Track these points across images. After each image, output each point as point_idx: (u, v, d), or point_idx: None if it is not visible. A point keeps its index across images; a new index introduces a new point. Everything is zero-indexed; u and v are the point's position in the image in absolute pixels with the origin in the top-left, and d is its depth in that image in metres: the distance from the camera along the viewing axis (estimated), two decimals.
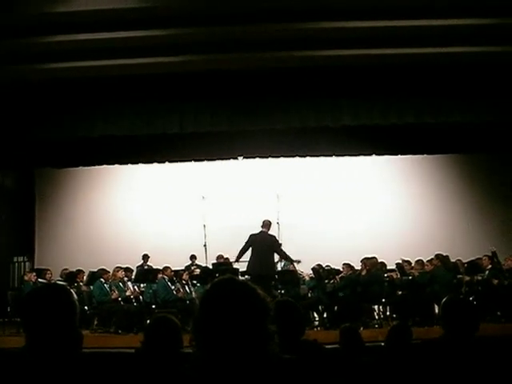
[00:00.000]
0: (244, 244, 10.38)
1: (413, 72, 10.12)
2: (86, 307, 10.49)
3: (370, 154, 13.19)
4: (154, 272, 11.17)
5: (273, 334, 1.88)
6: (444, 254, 11.04)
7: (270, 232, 10.58)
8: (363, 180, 14.23)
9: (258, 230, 10.51)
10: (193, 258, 12.57)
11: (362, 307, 10.51)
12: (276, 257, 10.67)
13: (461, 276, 11.05)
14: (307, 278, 11.59)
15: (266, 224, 10.53)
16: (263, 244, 10.30)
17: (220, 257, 12.26)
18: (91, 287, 10.98)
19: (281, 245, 10.65)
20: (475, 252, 11.65)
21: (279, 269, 11.42)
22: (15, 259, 13.64)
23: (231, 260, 12.03)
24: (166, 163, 13.50)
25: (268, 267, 10.34)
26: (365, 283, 10.59)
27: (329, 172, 14.12)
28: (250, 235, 10.42)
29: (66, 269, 12.18)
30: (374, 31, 8.92)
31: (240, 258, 10.45)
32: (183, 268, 11.84)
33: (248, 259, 10.43)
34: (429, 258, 11.11)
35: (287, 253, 10.61)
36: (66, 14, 8.54)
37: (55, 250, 14.07)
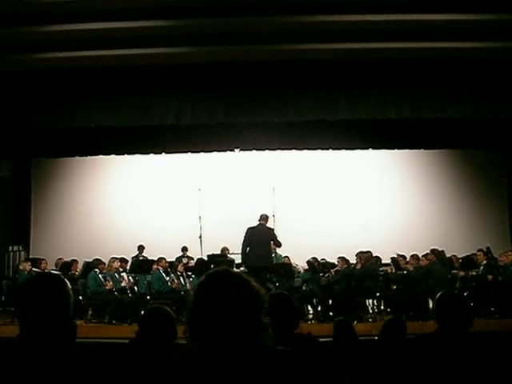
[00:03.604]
0: (243, 239, 10.36)
1: (410, 66, 10.09)
2: (80, 297, 10.48)
3: (367, 148, 13.22)
4: (148, 263, 11.16)
5: (267, 327, 1.88)
6: (439, 249, 11.05)
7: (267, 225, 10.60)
8: (360, 174, 14.22)
9: (253, 222, 10.51)
10: (184, 249, 12.54)
11: (356, 301, 10.53)
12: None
13: (455, 271, 11.07)
14: (302, 270, 11.60)
15: (264, 218, 10.54)
16: (261, 236, 10.30)
17: (225, 249, 12.22)
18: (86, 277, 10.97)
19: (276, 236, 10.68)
20: (470, 247, 11.68)
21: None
22: (10, 248, 13.64)
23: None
24: (163, 154, 13.52)
25: (266, 259, 10.36)
26: (359, 277, 10.61)
27: (325, 166, 14.11)
28: (248, 228, 10.42)
29: (60, 258, 12.20)
30: (372, 25, 8.89)
31: (244, 252, 10.42)
32: (174, 259, 11.84)
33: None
34: (424, 253, 11.13)
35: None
36: (65, 3, 8.49)
37: (51, 239, 14.05)
